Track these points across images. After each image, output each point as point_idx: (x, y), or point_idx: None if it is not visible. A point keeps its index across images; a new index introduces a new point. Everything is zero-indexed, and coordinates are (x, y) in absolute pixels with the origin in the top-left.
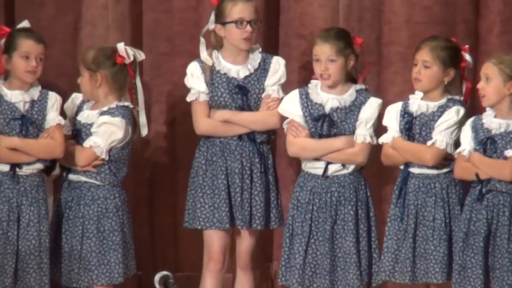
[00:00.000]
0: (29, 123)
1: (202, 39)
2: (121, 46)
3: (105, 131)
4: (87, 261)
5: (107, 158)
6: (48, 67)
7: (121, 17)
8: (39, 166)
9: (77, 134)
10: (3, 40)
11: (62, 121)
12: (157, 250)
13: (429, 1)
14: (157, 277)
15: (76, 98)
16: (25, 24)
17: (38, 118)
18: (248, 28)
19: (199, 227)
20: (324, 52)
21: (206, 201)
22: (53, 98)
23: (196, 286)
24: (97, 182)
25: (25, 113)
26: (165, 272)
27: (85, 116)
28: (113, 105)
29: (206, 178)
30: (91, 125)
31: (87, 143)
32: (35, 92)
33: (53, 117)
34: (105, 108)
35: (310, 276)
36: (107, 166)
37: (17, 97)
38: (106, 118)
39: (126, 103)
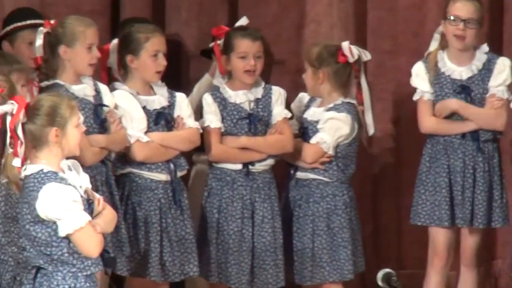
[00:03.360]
0: (256, 121)
1: (436, 35)
2: (345, 45)
3: (331, 127)
4: (318, 258)
5: (334, 154)
6: (272, 65)
7: (346, 15)
8: (270, 162)
9: (304, 132)
10: (221, 40)
11: (289, 115)
12: (380, 247)
13: None
14: (380, 274)
15: (303, 97)
16: (243, 21)
17: (264, 115)
18: (461, 26)
19: (419, 223)
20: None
21: (428, 198)
22: (277, 93)
23: (419, 284)
24: (325, 179)
25: (251, 111)
26: (388, 270)
27: (311, 114)
28: (339, 101)
29: (429, 175)
30: (317, 122)
31: (314, 140)
32: (259, 90)
33: (279, 112)
34: (331, 105)
35: None
36: (335, 163)
37: (241, 98)
38: (332, 113)
39: (351, 100)
